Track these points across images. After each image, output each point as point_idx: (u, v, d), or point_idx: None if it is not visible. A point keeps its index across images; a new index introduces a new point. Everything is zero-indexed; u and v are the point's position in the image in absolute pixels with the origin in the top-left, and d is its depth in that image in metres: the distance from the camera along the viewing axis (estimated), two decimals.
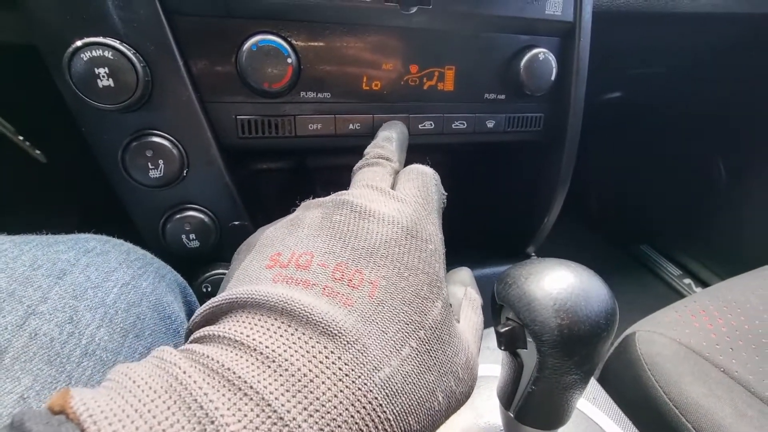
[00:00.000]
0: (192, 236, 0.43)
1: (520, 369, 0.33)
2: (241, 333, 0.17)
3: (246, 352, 0.17)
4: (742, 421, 0.46)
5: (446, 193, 0.28)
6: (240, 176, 0.46)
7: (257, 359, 0.16)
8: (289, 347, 0.17)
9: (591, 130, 0.54)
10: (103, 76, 0.33)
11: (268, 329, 0.17)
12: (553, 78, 0.47)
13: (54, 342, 0.23)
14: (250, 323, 0.18)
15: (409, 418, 0.17)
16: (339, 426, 0.15)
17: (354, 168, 0.30)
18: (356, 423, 0.16)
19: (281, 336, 0.17)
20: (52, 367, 0.22)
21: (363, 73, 0.43)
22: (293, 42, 0.39)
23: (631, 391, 0.54)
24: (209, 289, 0.46)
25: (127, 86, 0.34)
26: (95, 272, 0.28)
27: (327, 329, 0.17)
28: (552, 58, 0.46)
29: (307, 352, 0.17)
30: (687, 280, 1.27)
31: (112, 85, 0.34)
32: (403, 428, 0.17)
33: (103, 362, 0.24)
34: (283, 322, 0.17)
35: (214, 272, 0.46)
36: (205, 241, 0.44)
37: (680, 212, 1.28)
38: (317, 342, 0.17)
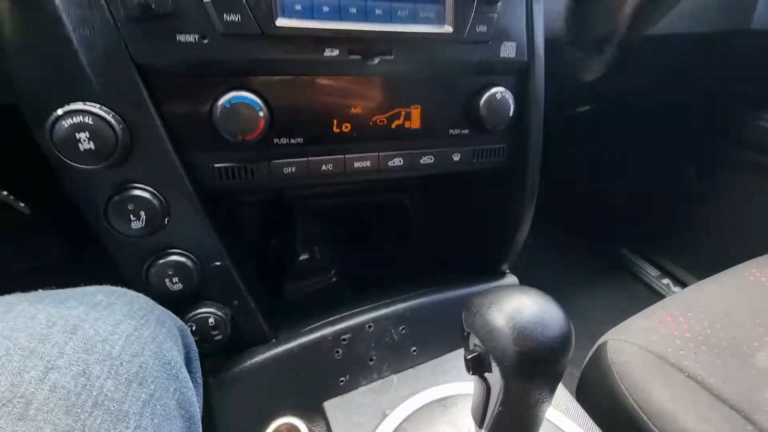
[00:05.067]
0: (175, 279, 0.45)
1: (488, 391, 0.36)
2: None
3: None
4: (705, 425, 0.49)
5: None
6: (218, 210, 0.48)
7: None
8: None
9: (567, 140, 0.57)
10: (84, 140, 0.35)
11: None
12: (511, 114, 0.50)
13: (70, 394, 0.26)
14: None
15: None
16: None
17: None
18: None
19: None
20: (69, 417, 0.25)
21: (333, 117, 0.46)
22: (265, 95, 0.42)
23: (605, 401, 0.57)
24: (194, 328, 0.48)
25: (107, 147, 0.36)
26: (103, 326, 0.31)
27: None
28: (509, 96, 0.49)
29: None
30: (665, 280, 1.32)
31: (93, 147, 0.36)
32: None
33: (110, 412, 0.27)
34: None
35: (198, 311, 0.48)
36: (188, 283, 0.46)
37: (656, 215, 1.33)
38: None
